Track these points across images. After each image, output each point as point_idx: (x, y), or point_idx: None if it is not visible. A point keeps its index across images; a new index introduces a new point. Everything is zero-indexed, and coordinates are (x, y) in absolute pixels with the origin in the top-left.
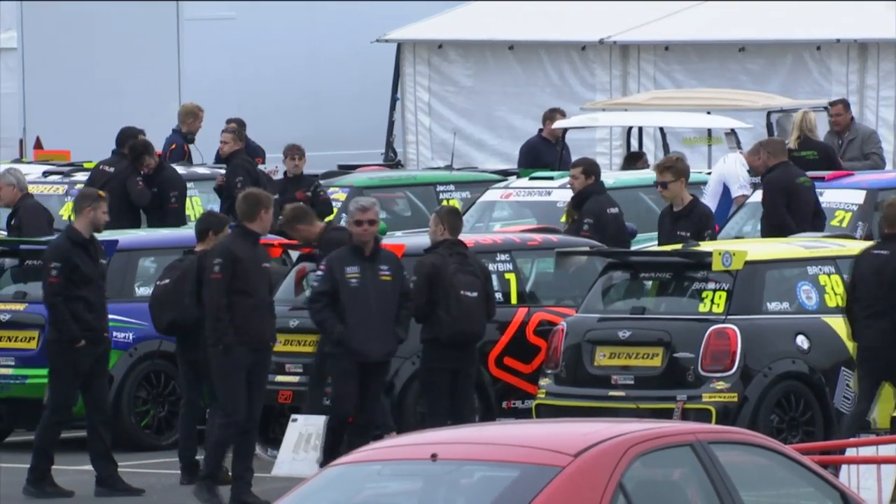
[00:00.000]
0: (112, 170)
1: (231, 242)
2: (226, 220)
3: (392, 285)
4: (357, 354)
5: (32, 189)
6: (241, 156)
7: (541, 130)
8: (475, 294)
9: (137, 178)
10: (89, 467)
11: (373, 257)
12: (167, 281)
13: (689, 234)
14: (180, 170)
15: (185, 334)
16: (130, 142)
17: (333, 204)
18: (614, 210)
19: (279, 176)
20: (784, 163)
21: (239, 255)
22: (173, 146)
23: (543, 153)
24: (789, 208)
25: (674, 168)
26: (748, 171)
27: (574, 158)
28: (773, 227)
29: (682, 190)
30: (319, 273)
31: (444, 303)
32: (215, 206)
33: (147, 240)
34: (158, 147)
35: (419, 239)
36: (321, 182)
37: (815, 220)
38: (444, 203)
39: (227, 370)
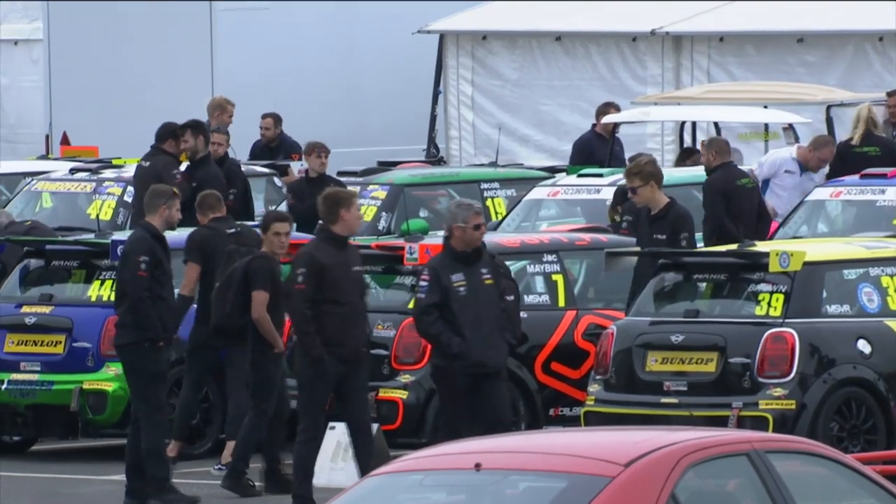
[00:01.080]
0: (147, 164)
1: (314, 249)
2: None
3: (495, 288)
4: (478, 365)
5: (59, 187)
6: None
7: (594, 126)
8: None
9: (175, 171)
10: (117, 477)
11: (473, 261)
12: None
13: (665, 237)
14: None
15: (232, 339)
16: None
17: (373, 203)
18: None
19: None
20: (726, 164)
21: (324, 262)
22: None
23: (597, 149)
24: (730, 211)
25: (641, 173)
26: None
27: (626, 155)
28: (713, 229)
29: (654, 194)
30: (423, 283)
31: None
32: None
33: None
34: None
35: None
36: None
37: (759, 223)
38: (489, 202)
39: (314, 383)
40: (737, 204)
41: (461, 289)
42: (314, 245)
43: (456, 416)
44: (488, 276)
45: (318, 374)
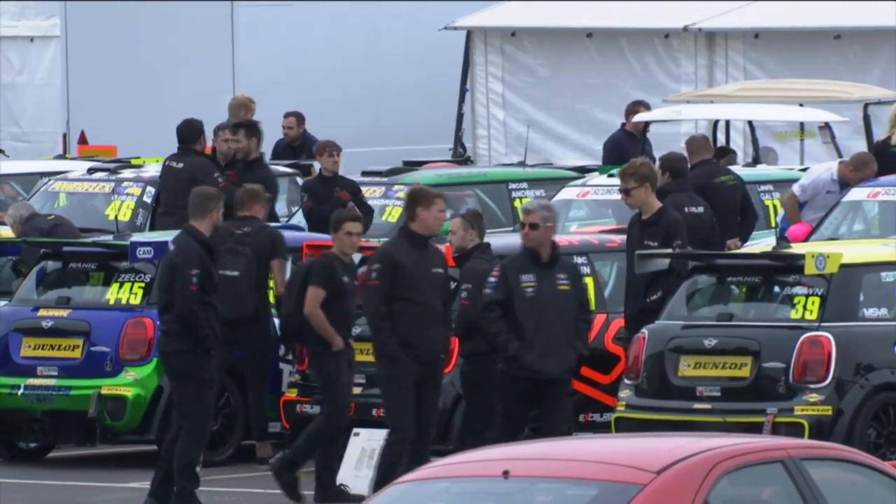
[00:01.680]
0: (180, 165)
1: (391, 246)
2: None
3: (570, 295)
4: (531, 371)
5: (76, 187)
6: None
7: (624, 124)
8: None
9: (216, 175)
10: (136, 484)
11: (550, 264)
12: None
13: (656, 245)
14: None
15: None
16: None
17: (398, 204)
18: (697, 209)
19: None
20: (705, 161)
21: (400, 260)
22: None
23: (628, 148)
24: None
25: (637, 174)
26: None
27: (657, 154)
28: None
29: (648, 197)
30: (492, 280)
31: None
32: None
33: None
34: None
35: (490, 241)
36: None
37: (744, 219)
38: (518, 203)
39: (392, 383)
40: (716, 201)
41: (528, 290)
42: (392, 242)
43: (513, 424)
44: (565, 282)
45: (394, 375)
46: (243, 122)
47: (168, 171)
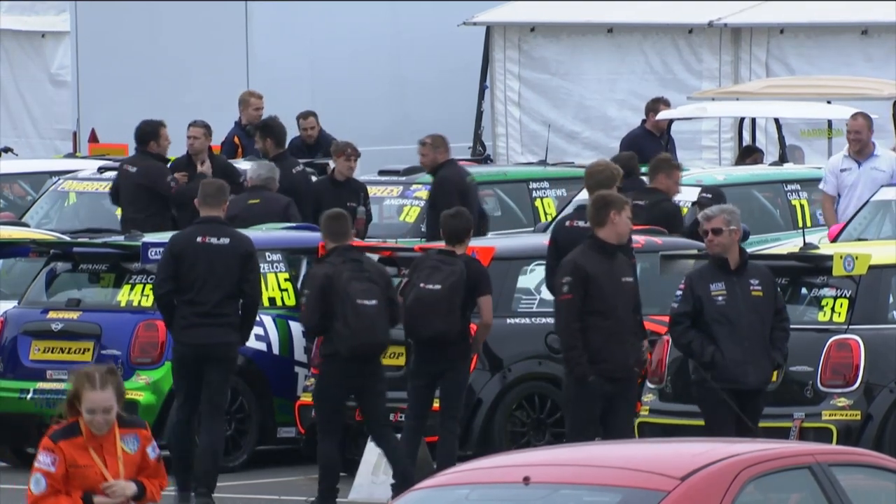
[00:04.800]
0: (134, 169)
1: (579, 256)
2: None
3: (764, 302)
4: (730, 382)
5: (86, 186)
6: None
7: (644, 122)
8: (374, 302)
9: (170, 178)
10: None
11: (740, 271)
12: (438, 286)
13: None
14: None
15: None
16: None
17: (417, 203)
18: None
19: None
20: (451, 161)
21: (590, 271)
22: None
23: (646, 147)
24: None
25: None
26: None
27: (679, 153)
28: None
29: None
30: (678, 293)
31: (341, 314)
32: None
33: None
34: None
35: (510, 241)
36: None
37: (480, 219)
38: (538, 202)
39: (579, 402)
40: (466, 200)
41: (719, 299)
42: (579, 252)
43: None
44: (758, 287)
45: (583, 394)
46: (258, 123)
47: (125, 175)
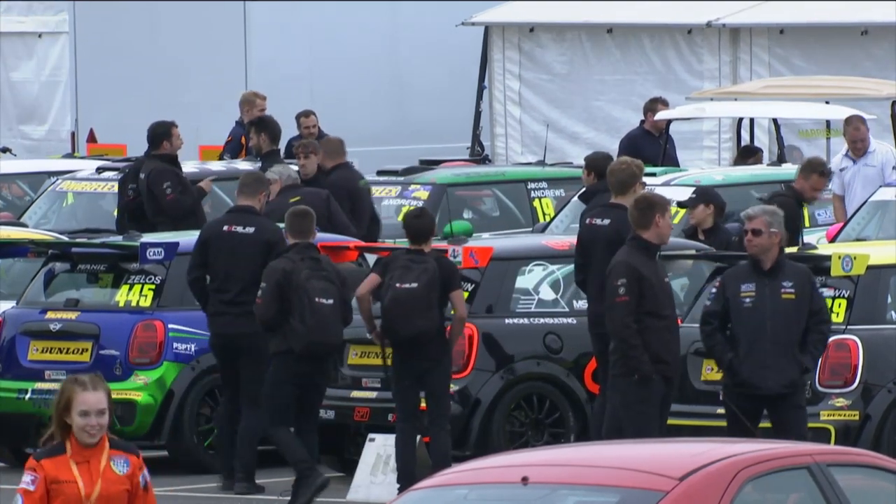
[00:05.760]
0: (142, 175)
1: (630, 257)
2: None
3: (796, 305)
4: (746, 386)
5: (85, 186)
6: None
7: (642, 122)
8: (331, 301)
9: (166, 185)
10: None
11: (774, 272)
12: (414, 284)
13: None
14: (191, 167)
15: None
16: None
17: (415, 204)
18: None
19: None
20: (345, 164)
21: (643, 272)
22: (229, 139)
23: (645, 147)
24: (353, 212)
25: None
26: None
27: (679, 154)
28: (337, 230)
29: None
30: (712, 291)
31: (298, 311)
32: None
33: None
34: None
35: (509, 241)
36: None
37: (372, 224)
38: (536, 203)
39: (643, 404)
40: (358, 204)
41: (747, 300)
42: (628, 253)
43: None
44: (790, 290)
45: (645, 395)
46: (253, 119)
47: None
